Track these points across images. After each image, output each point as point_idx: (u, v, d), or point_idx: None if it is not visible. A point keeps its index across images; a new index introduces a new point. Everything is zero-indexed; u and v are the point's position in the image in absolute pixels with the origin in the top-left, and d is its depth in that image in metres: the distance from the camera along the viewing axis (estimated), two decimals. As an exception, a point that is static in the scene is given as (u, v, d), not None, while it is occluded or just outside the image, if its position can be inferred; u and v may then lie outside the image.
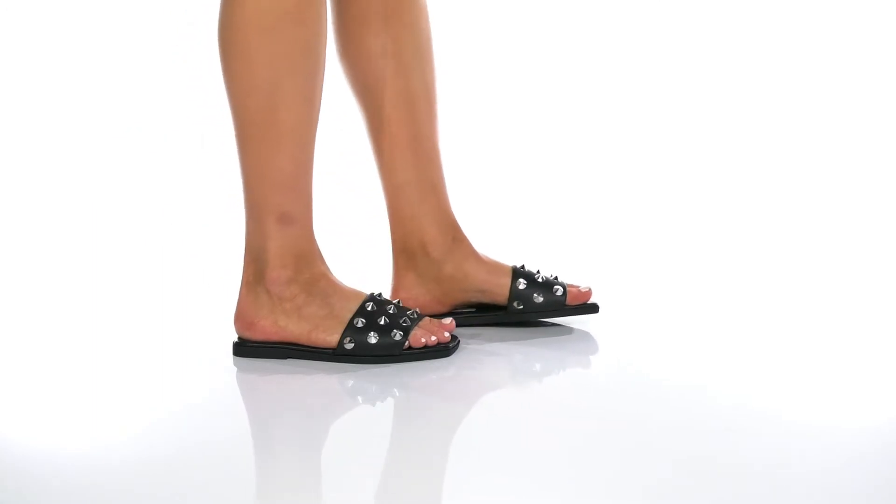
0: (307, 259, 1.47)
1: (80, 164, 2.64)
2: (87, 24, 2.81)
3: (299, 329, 1.46)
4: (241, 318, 1.48)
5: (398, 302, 1.50)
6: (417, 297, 1.58)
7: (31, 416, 1.31)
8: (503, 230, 2.18)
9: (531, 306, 1.57)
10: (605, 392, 1.39)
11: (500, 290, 1.57)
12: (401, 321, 1.46)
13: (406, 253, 1.58)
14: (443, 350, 1.47)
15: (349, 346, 1.45)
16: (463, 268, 1.58)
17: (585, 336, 1.58)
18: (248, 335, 1.47)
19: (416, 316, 1.48)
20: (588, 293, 1.60)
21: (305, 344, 1.46)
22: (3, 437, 1.24)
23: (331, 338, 1.46)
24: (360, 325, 1.45)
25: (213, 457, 1.17)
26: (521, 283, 1.57)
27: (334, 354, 1.46)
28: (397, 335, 1.45)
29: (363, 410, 1.36)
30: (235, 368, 1.47)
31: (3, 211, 2.40)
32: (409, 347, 1.46)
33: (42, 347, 1.56)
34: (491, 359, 1.50)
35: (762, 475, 1.12)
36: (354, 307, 1.46)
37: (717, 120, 2.82)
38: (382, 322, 1.46)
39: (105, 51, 2.81)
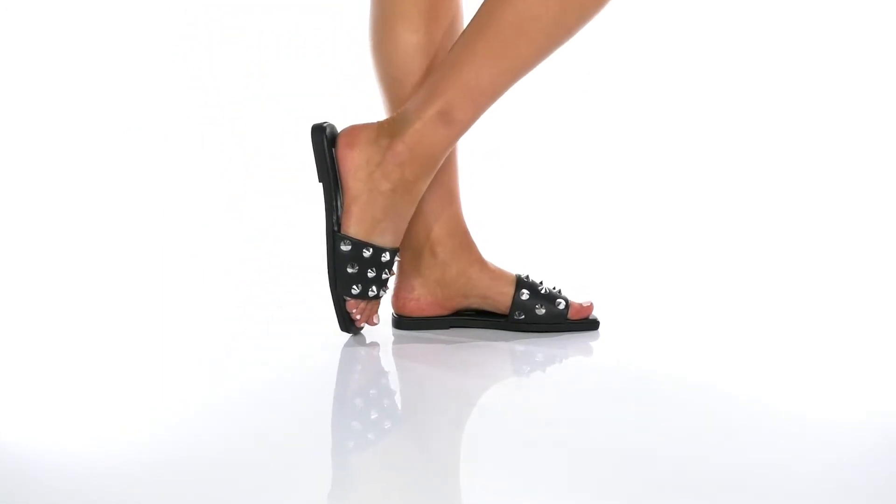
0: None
1: (80, 164, 2.64)
2: (87, 24, 2.81)
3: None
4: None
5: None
6: (419, 297, 1.58)
7: (32, 416, 1.31)
8: (506, 236, 2.18)
9: (532, 318, 1.57)
10: (605, 392, 1.39)
11: (502, 299, 1.57)
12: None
13: (412, 252, 1.58)
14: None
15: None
16: (467, 273, 1.57)
17: (585, 335, 1.58)
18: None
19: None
20: (590, 308, 1.60)
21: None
22: (3, 438, 1.24)
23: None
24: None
25: (213, 458, 1.17)
26: (524, 294, 1.57)
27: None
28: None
29: (367, 400, 1.36)
30: (234, 370, 1.47)
31: (3, 211, 2.40)
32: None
33: (42, 347, 1.56)
34: (492, 358, 1.50)
35: (762, 475, 1.12)
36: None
37: (716, 128, 2.82)
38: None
39: (105, 51, 2.81)
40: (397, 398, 1.40)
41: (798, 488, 1.10)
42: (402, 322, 1.59)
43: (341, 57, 2.68)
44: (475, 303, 1.58)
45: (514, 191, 2.59)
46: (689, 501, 1.07)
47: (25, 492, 1.09)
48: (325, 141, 1.49)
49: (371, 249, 1.48)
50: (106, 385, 1.41)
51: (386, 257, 1.50)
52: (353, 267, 1.49)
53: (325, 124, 1.50)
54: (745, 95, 2.86)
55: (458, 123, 1.46)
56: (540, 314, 1.57)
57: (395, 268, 1.53)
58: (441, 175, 1.56)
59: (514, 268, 1.61)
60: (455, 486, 1.13)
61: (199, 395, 1.38)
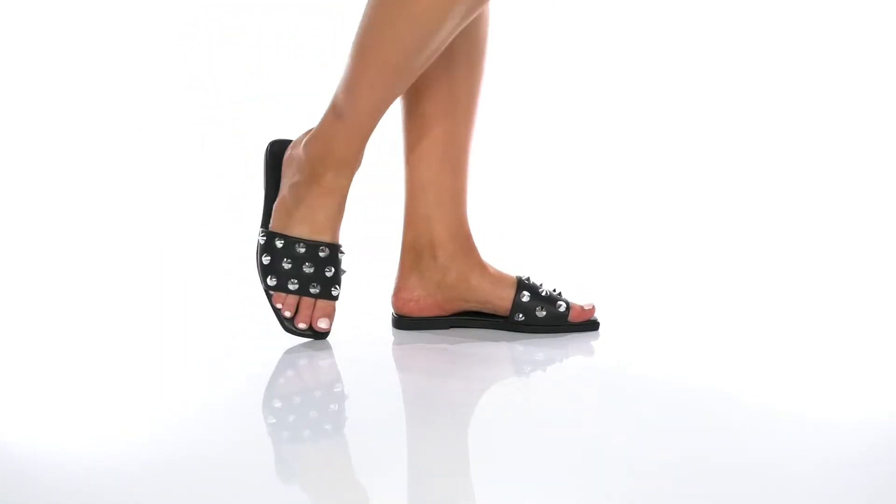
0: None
1: (80, 164, 2.64)
2: (87, 24, 2.81)
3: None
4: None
5: None
6: (419, 299, 1.58)
7: (32, 416, 1.31)
8: (507, 238, 2.18)
9: (533, 319, 1.57)
10: (606, 392, 1.39)
11: (502, 304, 1.57)
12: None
13: (414, 252, 1.58)
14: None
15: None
16: (467, 278, 1.57)
17: (586, 336, 1.58)
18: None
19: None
20: (591, 311, 1.59)
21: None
22: (3, 438, 1.24)
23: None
24: None
25: (213, 458, 1.17)
26: (525, 296, 1.57)
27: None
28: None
29: (367, 400, 1.36)
30: (234, 370, 1.47)
31: (3, 211, 2.40)
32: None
33: (42, 347, 1.56)
34: (493, 358, 1.50)
35: (762, 475, 1.12)
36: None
37: (715, 130, 2.82)
38: None
39: (105, 51, 2.81)
40: (397, 398, 1.40)
41: (798, 488, 1.10)
42: (402, 322, 1.59)
43: (341, 57, 2.68)
44: (475, 306, 1.58)
45: (516, 193, 2.59)
46: (689, 501, 1.07)
47: (25, 492, 1.09)
48: (270, 153, 1.55)
49: (283, 240, 1.49)
50: (106, 385, 1.41)
51: (301, 249, 1.49)
52: (266, 257, 1.50)
53: (280, 140, 1.55)
54: (743, 97, 2.86)
55: (346, 116, 1.46)
56: (540, 316, 1.57)
57: (341, 266, 1.53)
58: (444, 177, 1.56)
59: (516, 270, 1.61)
60: (456, 486, 1.13)
61: (199, 395, 1.38)
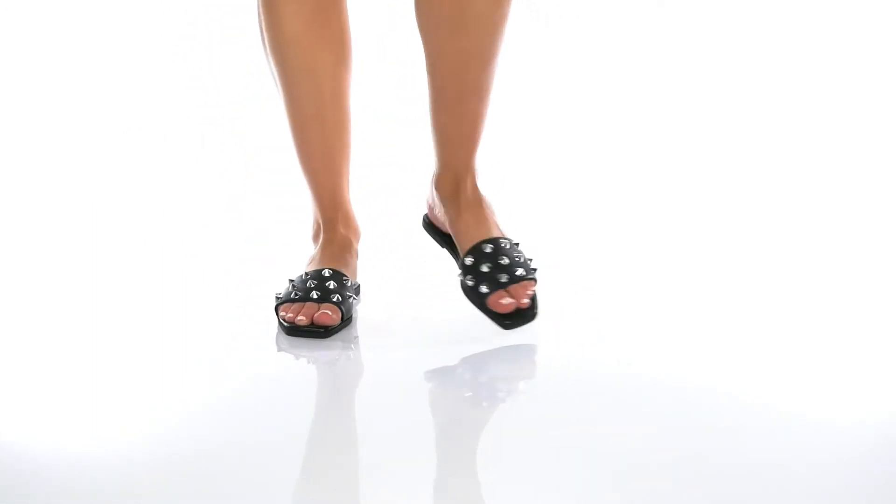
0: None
1: (80, 164, 2.64)
2: (87, 24, 2.81)
3: None
4: None
5: None
6: (439, 214, 1.65)
7: (32, 416, 1.31)
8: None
9: (465, 285, 1.56)
10: (605, 392, 1.39)
11: (460, 247, 1.61)
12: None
13: (452, 176, 1.62)
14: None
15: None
16: (461, 214, 1.62)
17: (585, 336, 1.58)
18: None
19: None
20: (509, 306, 1.53)
21: None
22: (3, 438, 1.24)
23: None
24: None
25: (213, 458, 1.17)
26: (469, 260, 1.56)
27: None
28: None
29: (366, 400, 1.36)
30: (234, 370, 1.47)
31: (3, 211, 2.40)
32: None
33: (42, 347, 1.56)
34: (494, 358, 1.50)
35: (762, 475, 1.12)
36: None
37: (716, 129, 2.82)
38: None
39: (105, 51, 2.81)
40: (398, 398, 1.40)
41: (798, 488, 1.10)
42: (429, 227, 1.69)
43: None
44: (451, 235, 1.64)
45: (516, 193, 2.59)
46: (689, 501, 1.07)
47: (25, 492, 1.09)
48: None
49: (293, 279, 1.62)
50: (106, 385, 1.41)
51: (306, 277, 1.59)
52: (278, 295, 1.62)
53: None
54: (744, 96, 2.86)
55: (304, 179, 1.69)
56: (469, 285, 1.55)
57: (347, 292, 1.60)
58: (456, 128, 1.59)
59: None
60: (455, 486, 1.13)
61: (199, 395, 1.38)
